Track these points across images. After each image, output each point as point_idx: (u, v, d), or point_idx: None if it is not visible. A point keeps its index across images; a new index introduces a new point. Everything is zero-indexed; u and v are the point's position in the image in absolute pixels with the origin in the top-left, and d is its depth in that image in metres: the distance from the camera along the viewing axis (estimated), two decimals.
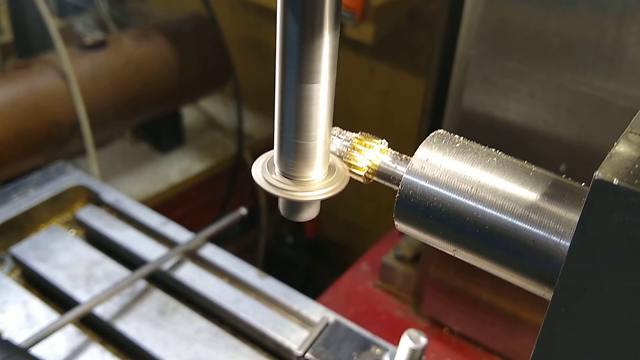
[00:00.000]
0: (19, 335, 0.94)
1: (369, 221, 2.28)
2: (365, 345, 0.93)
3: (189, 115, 2.43)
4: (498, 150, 0.48)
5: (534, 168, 0.46)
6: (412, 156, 0.52)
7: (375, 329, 1.39)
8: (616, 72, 1.02)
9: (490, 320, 1.35)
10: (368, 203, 2.24)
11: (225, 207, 2.32)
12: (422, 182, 0.47)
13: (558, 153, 1.12)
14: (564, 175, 0.46)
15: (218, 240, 1.17)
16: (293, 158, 0.49)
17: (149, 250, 1.12)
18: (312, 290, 2.36)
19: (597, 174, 0.37)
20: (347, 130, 0.54)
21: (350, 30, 1.80)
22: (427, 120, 1.33)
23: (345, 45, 1.96)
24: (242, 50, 2.38)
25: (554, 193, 0.44)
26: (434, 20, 1.41)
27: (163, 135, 2.30)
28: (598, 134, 1.08)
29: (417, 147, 1.34)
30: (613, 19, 0.98)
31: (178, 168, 2.25)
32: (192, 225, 1.78)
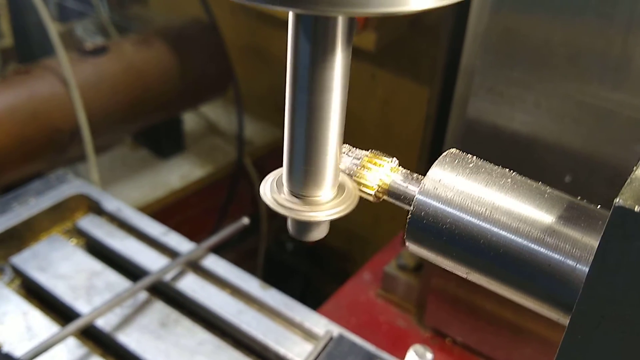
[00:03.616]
0: (19, 348, 0.93)
1: (369, 230, 2.27)
2: (370, 359, 0.92)
3: (190, 121, 2.42)
4: (512, 171, 0.47)
5: (549, 190, 0.45)
6: (417, 171, 0.51)
7: (378, 339, 1.38)
8: (622, 82, 1.01)
9: (493, 330, 1.34)
10: (368, 212, 2.24)
11: (226, 214, 2.31)
12: (435, 203, 0.46)
13: (563, 163, 1.11)
14: (577, 198, 0.45)
15: (218, 247, 1.16)
16: (302, 177, 0.48)
17: (150, 260, 1.11)
18: (312, 297, 2.35)
19: (618, 201, 0.36)
20: (356, 148, 0.53)
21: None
22: (430, 129, 1.32)
23: None
24: (243, 56, 2.38)
25: (569, 216, 0.43)
26: (437, 29, 1.40)
27: (163, 141, 2.29)
28: (604, 144, 1.07)
29: (421, 156, 1.33)
30: (620, 30, 0.98)
31: (178, 174, 2.24)
32: (192, 231, 1.77)
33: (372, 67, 2.06)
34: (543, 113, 1.10)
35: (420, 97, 1.89)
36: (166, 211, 2.15)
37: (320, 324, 1.00)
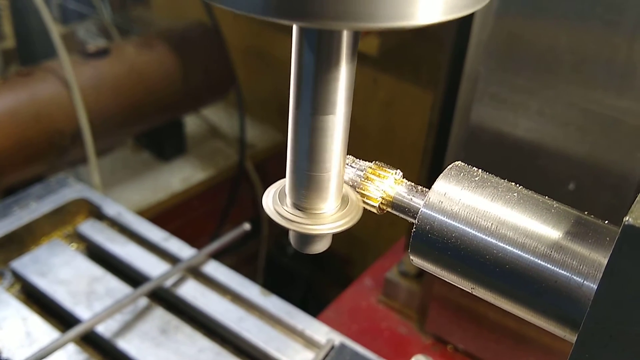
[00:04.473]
0: (18, 354, 0.93)
1: (370, 234, 2.26)
2: None
3: (191, 123, 2.41)
4: (518, 185, 0.46)
5: (555, 204, 0.44)
6: (419, 178, 0.51)
7: (379, 346, 1.38)
8: (628, 90, 1.00)
9: (496, 338, 1.33)
10: (370, 216, 2.22)
11: (227, 217, 2.30)
12: (440, 217, 0.45)
13: (567, 171, 1.10)
14: (585, 213, 0.45)
15: (219, 252, 1.15)
16: (305, 190, 0.48)
17: (150, 266, 1.10)
18: (313, 301, 2.34)
19: (628, 219, 0.35)
20: (360, 159, 0.52)
21: None
22: (433, 135, 1.31)
23: None
24: (245, 59, 2.37)
25: (577, 231, 0.42)
26: (439, 34, 1.39)
27: (165, 144, 2.28)
28: (608, 152, 1.06)
29: (423, 163, 1.32)
30: (625, 37, 0.97)
31: (180, 177, 2.24)
32: (193, 234, 1.76)
33: (373, 71, 2.05)
34: (547, 120, 1.09)
35: (422, 102, 1.88)
36: (167, 214, 2.15)
37: (322, 332, 0.99)
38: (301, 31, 0.42)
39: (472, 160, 1.20)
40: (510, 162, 1.15)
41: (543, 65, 1.06)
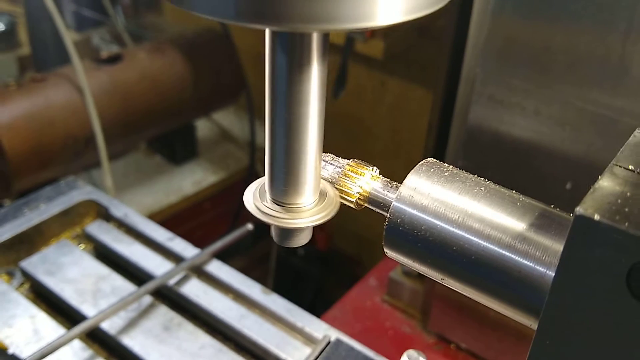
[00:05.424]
0: (25, 350, 0.96)
1: (379, 235, 2.28)
2: None
3: (203, 127, 2.45)
4: (487, 180, 0.48)
5: (521, 198, 0.46)
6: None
7: (382, 345, 1.39)
8: (622, 89, 1.02)
9: (498, 336, 1.34)
10: (377, 217, 2.23)
11: (238, 219, 2.33)
12: (411, 210, 0.47)
13: (564, 171, 1.12)
14: (550, 206, 0.46)
15: (230, 252, 1.17)
16: (283, 185, 0.50)
17: (155, 265, 1.13)
18: (322, 301, 2.36)
19: (579, 209, 0.37)
20: (339, 157, 0.54)
21: (361, 46, 1.81)
22: (433, 136, 1.33)
23: (355, 59, 1.97)
24: (255, 64, 2.40)
25: (541, 223, 0.44)
26: (443, 35, 1.41)
27: (177, 148, 2.32)
28: (604, 152, 1.07)
29: None
30: (619, 36, 0.98)
31: (191, 180, 2.27)
32: (204, 236, 1.79)
33: (381, 74, 2.07)
34: (543, 120, 1.10)
35: (429, 103, 1.89)
36: (179, 217, 2.18)
37: (321, 329, 1.01)
38: (274, 35, 0.44)
39: (471, 160, 1.22)
40: (509, 162, 1.16)
41: (538, 66, 1.08)
